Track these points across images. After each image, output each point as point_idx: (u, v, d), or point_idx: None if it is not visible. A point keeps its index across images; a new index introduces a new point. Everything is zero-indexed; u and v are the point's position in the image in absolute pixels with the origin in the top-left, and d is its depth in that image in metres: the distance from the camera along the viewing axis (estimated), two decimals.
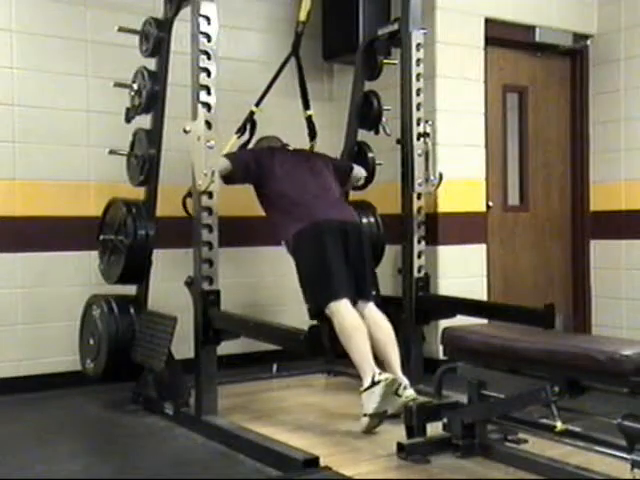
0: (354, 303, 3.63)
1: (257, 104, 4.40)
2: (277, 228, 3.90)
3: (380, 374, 3.30)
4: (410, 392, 3.40)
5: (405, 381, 3.48)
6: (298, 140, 4.48)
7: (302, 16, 4.37)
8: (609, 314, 5.39)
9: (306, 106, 4.50)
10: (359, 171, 4.42)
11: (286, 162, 3.98)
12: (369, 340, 3.49)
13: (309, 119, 4.50)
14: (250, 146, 4.35)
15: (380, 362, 3.56)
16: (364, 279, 3.79)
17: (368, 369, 3.35)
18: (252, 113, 4.38)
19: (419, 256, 4.22)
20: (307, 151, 4.37)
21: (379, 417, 3.28)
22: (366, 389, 3.29)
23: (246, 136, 4.39)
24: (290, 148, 4.28)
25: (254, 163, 3.94)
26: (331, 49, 5.22)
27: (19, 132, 4.32)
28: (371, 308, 3.75)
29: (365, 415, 3.28)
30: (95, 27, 4.52)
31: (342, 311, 3.53)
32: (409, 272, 4.20)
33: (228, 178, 3.87)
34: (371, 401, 3.26)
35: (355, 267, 3.74)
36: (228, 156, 3.93)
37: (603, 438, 2.70)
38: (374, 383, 3.27)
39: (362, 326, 3.51)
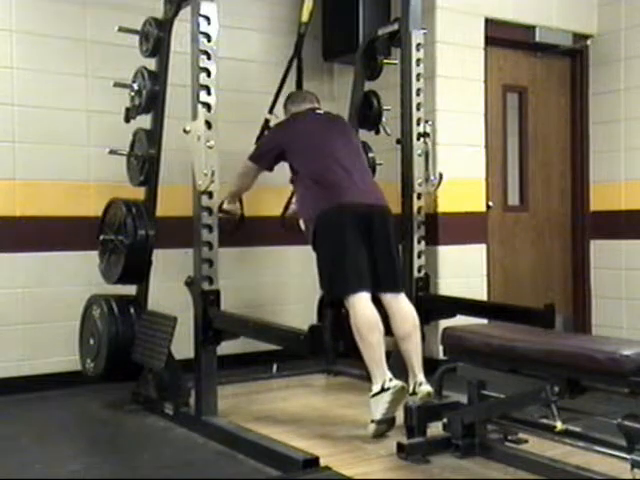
0: (374, 296, 3.51)
1: (270, 111, 4.39)
2: (302, 205, 3.76)
3: (390, 380, 3.24)
4: (425, 388, 3.38)
5: (421, 378, 3.45)
6: None
7: (304, 17, 4.36)
8: (609, 314, 5.39)
9: None
10: None
11: (313, 131, 3.81)
12: (384, 340, 3.42)
13: None
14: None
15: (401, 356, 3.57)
16: (392, 270, 3.63)
17: (379, 374, 3.28)
18: (267, 121, 4.37)
19: (419, 256, 4.22)
20: (337, 116, 4.16)
21: (387, 423, 3.25)
22: (375, 395, 3.25)
23: None
24: (320, 112, 4.05)
25: (277, 150, 3.83)
26: (331, 49, 5.22)
27: (19, 132, 4.32)
28: (400, 300, 3.61)
29: (373, 421, 3.25)
30: (95, 27, 4.51)
31: (358, 307, 3.41)
32: (409, 272, 4.20)
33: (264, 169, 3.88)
34: (379, 407, 3.22)
35: (381, 258, 3.57)
36: (252, 157, 3.92)
37: (603, 438, 2.69)
38: (383, 389, 3.22)
39: (377, 326, 3.39)
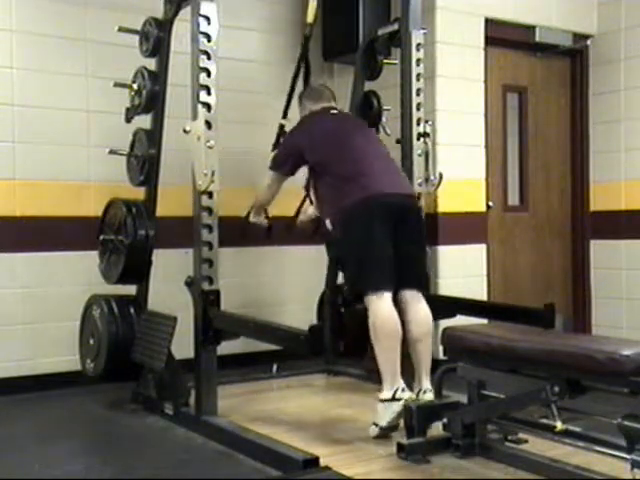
0: (395, 294, 3.39)
1: (284, 116, 4.33)
2: (324, 205, 3.63)
3: (403, 391, 3.20)
4: (428, 396, 3.32)
5: (427, 386, 3.39)
6: None
7: (310, 18, 4.33)
8: (609, 314, 5.39)
9: None
10: None
11: (330, 128, 3.70)
12: (401, 337, 3.33)
13: None
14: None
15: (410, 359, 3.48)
16: (418, 267, 3.54)
17: (392, 380, 3.22)
18: (282, 126, 4.29)
19: None
20: (350, 114, 4.19)
21: (390, 430, 3.22)
22: (384, 400, 3.21)
23: None
24: (335, 111, 3.91)
25: (296, 153, 3.70)
26: (331, 49, 5.23)
27: (19, 132, 4.32)
28: (419, 301, 3.48)
29: (376, 425, 3.22)
30: (95, 27, 4.51)
31: (378, 308, 3.30)
32: None
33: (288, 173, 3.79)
34: (386, 414, 3.19)
35: (408, 254, 3.44)
36: (273, 167, 3.82)
37: (603, 438, 2.70)
38: (394, 399, 3.18)
39: (396, 331, 3.29)
